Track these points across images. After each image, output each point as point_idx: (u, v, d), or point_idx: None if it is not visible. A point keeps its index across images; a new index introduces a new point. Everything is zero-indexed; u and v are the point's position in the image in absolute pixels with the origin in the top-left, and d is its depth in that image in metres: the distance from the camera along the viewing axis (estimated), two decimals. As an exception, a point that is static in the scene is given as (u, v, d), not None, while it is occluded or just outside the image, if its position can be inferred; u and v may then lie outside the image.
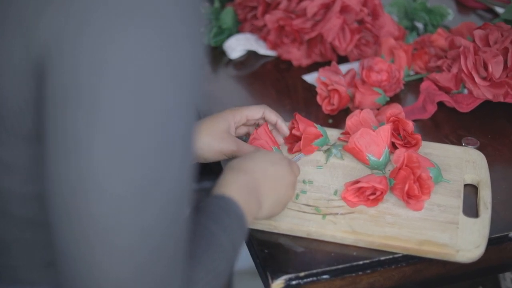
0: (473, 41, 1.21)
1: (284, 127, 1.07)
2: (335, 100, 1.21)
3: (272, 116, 1.07)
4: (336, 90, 1.20)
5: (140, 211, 0.64)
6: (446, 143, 1.15)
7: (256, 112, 1.07)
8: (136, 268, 0.65)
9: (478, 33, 1.21)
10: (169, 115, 0.64)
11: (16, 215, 0.75)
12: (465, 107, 1.21)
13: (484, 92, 1.19)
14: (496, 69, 1.16)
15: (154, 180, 0.64)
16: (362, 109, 1.11)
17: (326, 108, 1.22)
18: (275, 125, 1.08)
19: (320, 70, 1.26)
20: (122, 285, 0.65)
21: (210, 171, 1.18)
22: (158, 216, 0.65)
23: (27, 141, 0.70)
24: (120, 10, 0.62)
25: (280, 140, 1.10)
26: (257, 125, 1.09)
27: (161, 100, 0.64)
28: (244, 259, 1.39)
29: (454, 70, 1.22)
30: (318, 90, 1.24)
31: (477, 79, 1.18)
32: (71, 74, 0.62)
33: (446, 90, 1.24)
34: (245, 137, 1.11)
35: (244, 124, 1.08)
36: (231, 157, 1.03)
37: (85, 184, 0.63)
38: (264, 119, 1.08)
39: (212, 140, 1.02)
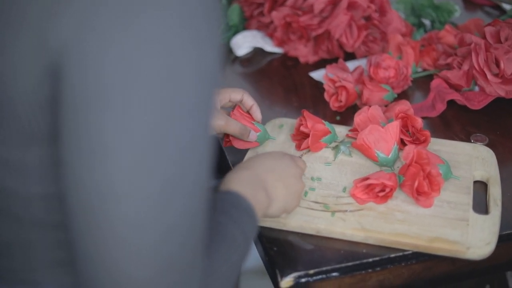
0: (482, 37, 1.21)
1: (258, 112, 1.11)
2: (343, 97, 1.20)
3: (249, 100, 1.11)
4: (343, 87, 1.20)
5: (164, 208, 0.64)
6: (455, 140, 1.14)
7: (238, 94, 1.10)
8: (161, 265, 0.64)
9: (489, 29, 1.20)
10: (196, 112, 0.64)
11: (21, 216, 0.74)
12: (476, 104, 1.20)
13: (496, 89, 1.18)
14: (508, 66, 1.15)
15: (178, 176, 0.64)
16: (370, 106, 1.10)
17: (333, 105, 1.22)
18: (250, 109, 1.11)
19: (328, 67, 1.25)
20: (146, 284, 0.64)
21: (219, 170, 1.18)
22: (182, 211, 0.65)
23: (39, 143, 0.69)
24: (147, 11, 0.61)
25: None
26: (231, 108, 1.12)
27: (189, 97, 0.64)
28: (252, 258, 1.39)
29: (465, 67, 1.21)
30: (325, 87, 1.23)
31: (489, 76, 1.17)
32: (95, 75, 0.61)
33: (457, 88, 1.23)
34: None
35: (223, 107, 1.11)
36: (220, 133, 1.07)
37: (106, 188, 0.63)
38: (242, 102, 1.11)
39: None
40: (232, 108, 1.11)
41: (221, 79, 0.69)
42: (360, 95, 1.22)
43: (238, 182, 0.86)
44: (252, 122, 1.09)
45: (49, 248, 0.75)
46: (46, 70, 0.64)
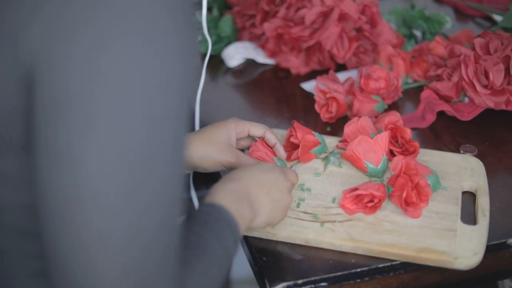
0: (473, 49, 1.22)
1: (281, 150, 1.08)
2: (333, 108, 1.21)
3: (272, 138, 1.07)
4: (334, 98, 1.21)
5: (127, 212, 0.64)
6: (445, 150, 1.15)
7: (259, 129, 1.07)
8: (124, 269, 0.65)
9: (478, 41, 1.21)
10: (159, 122, 0.65)
11: (8, 225, 0.75)
12: (466, 116, 1.21)
13: (485, 100, 1.19)
14: (497, 77, 1.16)
15: (141, 183, 0.65)
16: (360, 117, 1.11)
17: (324, 116, 1.23)
18: (273, 147, 1.08)
19: (318, 78, 1.26)
20: (114, 286, 0.65)
21: (210, 179, 1.18)
22: (145, 218, 0.65)
23: (18, 151, 0.70)
24: (112, 19, 0.62)
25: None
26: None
27: (151, 107, 0.64)
28: (243, 268, 1.39)
29: (455, 78, 1.22)
30: (316, 98, 1.24)
31: (478, 87, 1.18)
32: (62, 83, 0.62)
33: (447, 99, 1.24)
34: (246, 150, 1.11)
35: (247, 137, 1.08)
36: (230, 168, 1.02)
37: (79, 191, 0.63)
38: (264, 139, 1.08)
39: (210, 150, 1.02)
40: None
41: (193, 93, 0.69)
42: (350, 106, 1.23)
43: (225, 195, 0.85)
44: (273, 157, 1.07)
45: (37, 257, 0.76)
46: (21, 79, 0.65)
